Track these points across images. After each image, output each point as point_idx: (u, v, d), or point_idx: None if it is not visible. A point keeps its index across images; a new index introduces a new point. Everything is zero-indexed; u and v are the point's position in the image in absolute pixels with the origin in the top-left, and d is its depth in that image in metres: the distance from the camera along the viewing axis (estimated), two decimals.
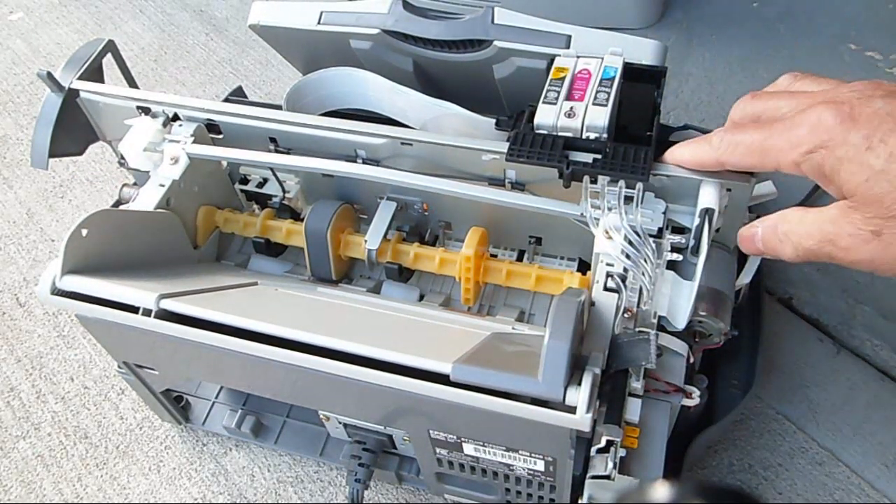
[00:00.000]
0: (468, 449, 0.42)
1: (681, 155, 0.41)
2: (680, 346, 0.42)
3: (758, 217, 0.48)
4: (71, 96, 0.51)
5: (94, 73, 0.53)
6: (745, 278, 0.47)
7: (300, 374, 0.40)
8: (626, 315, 0.40)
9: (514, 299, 0.52)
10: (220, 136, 0.52)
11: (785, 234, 0.35)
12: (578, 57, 0.47)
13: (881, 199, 0.31)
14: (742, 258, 0.48)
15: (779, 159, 0.34)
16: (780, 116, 0.35)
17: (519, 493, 0.46)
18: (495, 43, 0.51)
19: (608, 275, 0.41)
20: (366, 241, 0.50)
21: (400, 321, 0.46)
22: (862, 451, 0.53)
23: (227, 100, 0.62)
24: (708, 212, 0.39)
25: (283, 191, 0.55)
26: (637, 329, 0.39)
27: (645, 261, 0.40)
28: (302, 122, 0.48)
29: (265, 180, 0.56)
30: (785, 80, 0.39)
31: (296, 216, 0.55)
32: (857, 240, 0.32)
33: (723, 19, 0.85)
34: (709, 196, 0.40)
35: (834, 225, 0.33)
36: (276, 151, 0.51)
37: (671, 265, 0.41)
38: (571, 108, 0.44)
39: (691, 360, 0.43)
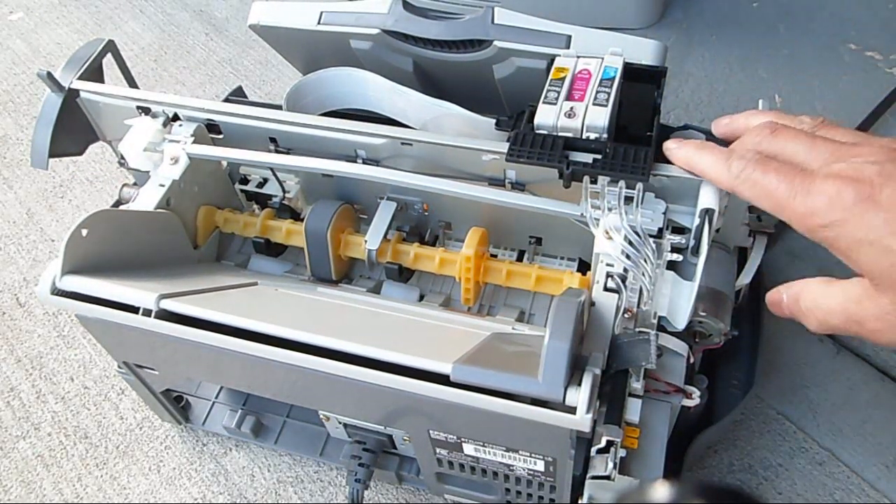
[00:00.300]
0: (468, 449, 0.42)
1: (695, 162, 0.39)
2: (680, 347, 0.42)
3: (758, 217, 0.48)
4: (71, 96, 0.51)
5: (94, 73, 0.53)
6: (745, 278, 0.47)
7: (300, 374, 0.40)
8: (626, 315, 0.40)
9: (514, 299, 0.52)
10: (220, 136, 0.52)
11: (809, 309, 0.35)
12: (578, 57, 0.47)
13: None
14: (742, 258, 0.48)
15: (791, 218, 0.33)
16: (797, 163, 0.34)
17: (519, 493, 0.46)
18: (495, 43, 0.51)
19: (608, 275, 0.41)
20: (366, 241, 0.50)
21: (400, 321, 0.46)
22: (862, 451, 0.53)
23: (227, 100, 0.62)
24: (708, 212, 0.39)
25: (283, 191, 0.55)
26: (637, 329, 0.39)
27: (645, 261, 0.40)
28: (302, 122, 0.48)
29: (265, 180, 0.56)
30: (809, 122, 0.38)
31: (296, 216, 0.55)
32: (884, 322, 0.31)
33: (723, 19, 0.85)
34: (709, 196, 0.40)
35: (859, 306, 0.32)
36: (276, 151, 0.51)
37: (671, 265, 0.41)
38: (571, 108, 0.44)
39: (691, 360, 0.43)
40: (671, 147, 0.41)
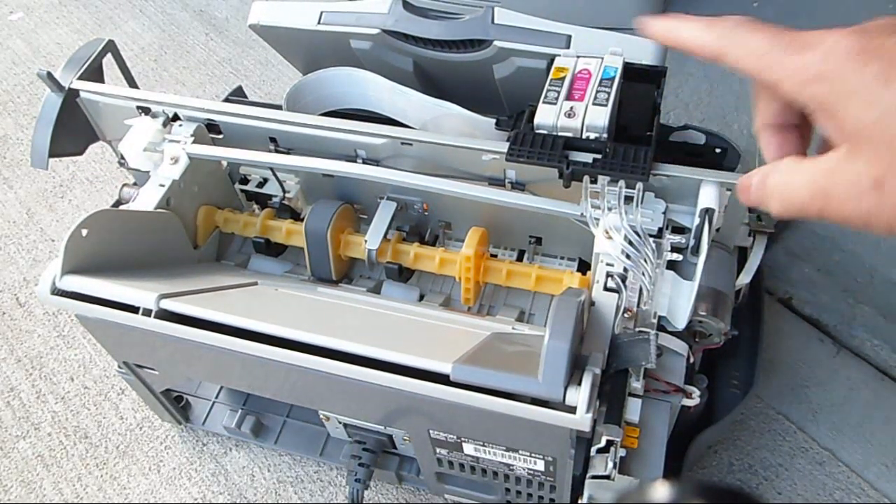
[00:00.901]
0: (468, 449, 0.42)
1: (675, 32, 0.35)
2: (680, 346, 0.42)
3: (758, 217, 0.48)
4: (71, 96, 0.51)
5: (94, 73, 0.53)
6: (745, 278, 0.47)
7: (300, 374, 0.40)
8: (626, 315, 0.40)
9: (514, 299, 0.52)
10: (220, 136, 0.52)
11: (774, 186, 0.32)
12: (578, 57, 0.47)
13: (892, 141, 0.27)
14: (742, 258, 0.48)
15: (780, 76, 0.31)
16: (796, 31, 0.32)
17: (519, 492, 0.46)
18: (495, 43, 0.51)
19: (608, 275, 0.41)
20: (366, 241, 0.50)
21: (400, 321, 0.46)
22: (862, 451, 0.53)
23: (227, 100, 0.62)
24: (708, 212, 0.39)
25: (283, 191, 0.55)
26: (637, 329, 0.39)
27: (645, 261, 0.40)
28: (302, 122, 0.48)
29: (265, 180, 0.56)
30: None
31: (296, 216, 0.55)
32: (854, 191, 0.28)
33: None
34: (709, 196, 0.40)
35: (829, 176, 0.29)
36: (276, 151, 0.51)
37: (671, 265, 0.41)
38: (571, 107, 0.44)
39: (691, 360, 0.43)
40: (646, 20, 0.36)
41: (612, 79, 0.45)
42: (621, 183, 0.41)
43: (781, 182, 0.32)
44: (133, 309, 0.40)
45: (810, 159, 0.30)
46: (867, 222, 0.28)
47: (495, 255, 0.53)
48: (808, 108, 0.30)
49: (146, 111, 0.51)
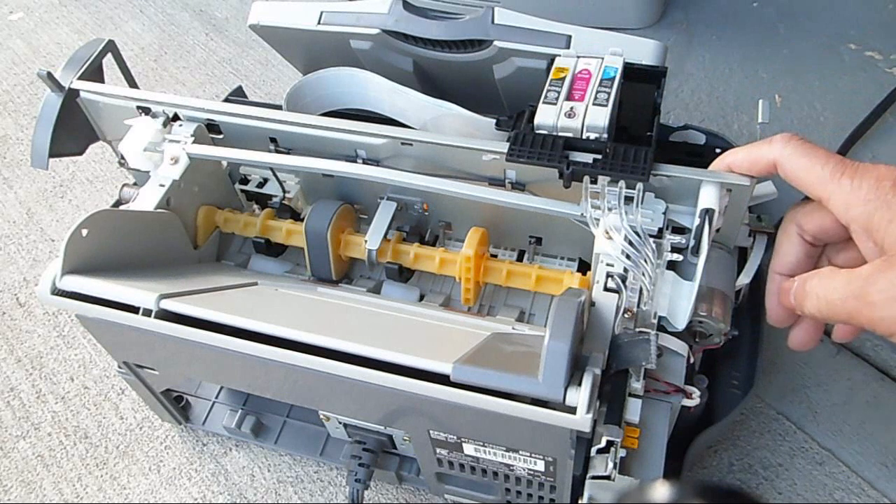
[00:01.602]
0: (468, 449, 0.42)
1: (734, 157, 0.40)
2: (680, 347, 0.42)
3: (758, 218, 0.48)
4: (71, 96, 0.51)
5: (94, 73, 0.53)
6: (745, 278, 0.47)
7: (300, 374, 0.40)
8: (626, 315, 0.40)
9: (514, 299, 0.52)
10: (221, 136, 0.52)
11: (812, 287, 0.36)
12: (579, 57, 0.47)
13: None
14: (742, 258, 0.48)
15: (832, 195, 0.35)
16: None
17: (519, 493, 0.46)
18: (495, 43, 0.51)
19: (608, 275, 0.41)
20: (366, 241, 0.50)
21: (400, 321, 0.46)
22: (862, 451, 0.53)
23: (227, 100, 0.62)
24: (708, 212, 0.39)
25: (283, 191, 0.55)
26: (637, 329, 0.39)
27: (645, 261, 0.40)
28: (302, 122, 0.48)
29: (265, 180, 0.56)
30: None
31: (296, 216, 0.55)
32: (886, 296, 0.32)
33: (723, 19, 0.85)
34: (709, 196, 0.40)
35: (865, 281, 0.33)
36: (276, 151, 0.51)
37: (671, 265, 0.41)
38: (571, 108, 0.44)
39: (691, 360, 0.43)
40: (715, 163, 0.42)
41: (613, 79, 0.45)
42: (621, 183, 0.41)
43: (819, 284, 0.36)
44: (133, 309, 0.40)
45: (847, 269, 0.34)
46: (890, 327, 0.32)
47: (495, 255, 0.53)
48: (850, 225, 0.35)
49: (146, 111, 0.51)
